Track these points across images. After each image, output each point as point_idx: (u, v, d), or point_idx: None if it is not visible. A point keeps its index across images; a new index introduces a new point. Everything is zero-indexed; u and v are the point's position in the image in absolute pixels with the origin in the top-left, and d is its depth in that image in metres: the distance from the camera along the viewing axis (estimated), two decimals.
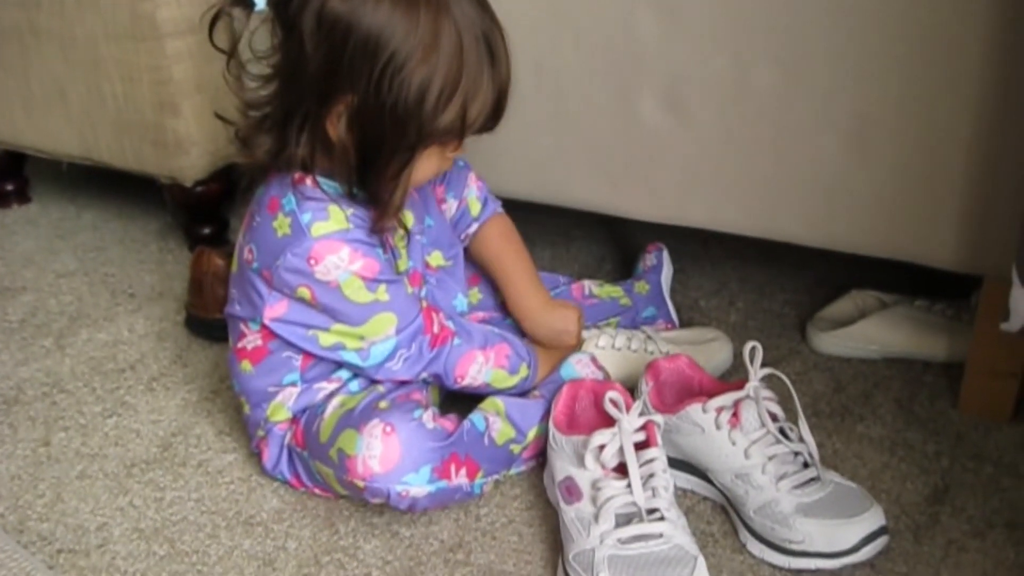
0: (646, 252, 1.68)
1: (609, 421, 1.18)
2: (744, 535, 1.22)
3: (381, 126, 1.13)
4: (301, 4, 1.11)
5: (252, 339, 1.28)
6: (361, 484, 1.18)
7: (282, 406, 1.30)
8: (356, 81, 1.11)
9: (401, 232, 1.29)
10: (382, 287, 1.22)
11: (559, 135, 1.50)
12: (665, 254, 1.66)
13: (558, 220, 1.51)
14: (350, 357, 1.25)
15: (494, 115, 1.20)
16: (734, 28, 1.34)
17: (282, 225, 1.20)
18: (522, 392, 1.36)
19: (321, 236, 1.18)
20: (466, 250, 1.48)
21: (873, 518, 1.16)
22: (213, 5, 1.17)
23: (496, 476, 1.29)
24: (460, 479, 1.23)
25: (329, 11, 1.10)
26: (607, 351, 1.45)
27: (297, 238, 1.18)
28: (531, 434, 1.31)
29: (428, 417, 1.22)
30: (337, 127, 1.15)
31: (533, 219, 1.59)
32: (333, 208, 1.19)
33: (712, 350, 1.49)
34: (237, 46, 1.19)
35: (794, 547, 1.16)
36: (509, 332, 1.41)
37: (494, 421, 1.29)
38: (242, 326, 1.29)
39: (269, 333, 1.27)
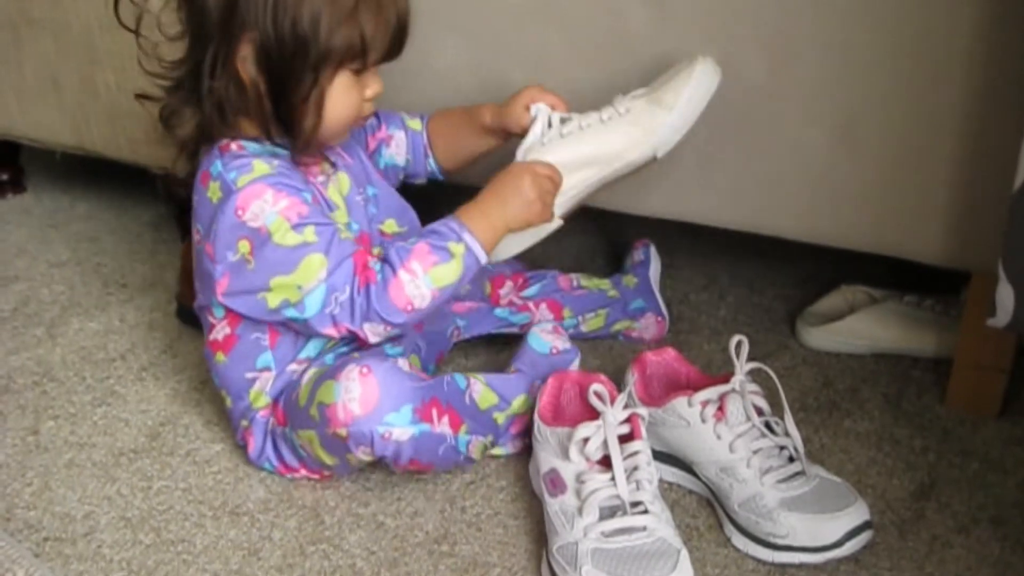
0: (633, 248, 1.68)
1: (594, 413, 1.18)
2: (729, 529, 1.22)
3: (283, 53, 1.18)
4: None
5: (220, 328, 1.30)
6: (344, 432, 1.18)
7: (261, 393, 1.31)
8: (254, 15, 1.17)
9: (328, 178, 1.30)
10: (309, 228, 1.21)
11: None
12: (652, 250, 1.66)
13: None
14: (292, 313, 1.24)
15: (396, 41, 1.24)
16: (722, 20, 1.34)
17: (214, 192, 1.23)
18: (482, 267, 1.29)
19: (245, 184, 1.21)
20: (445, 169, 1.49)
21: (857, 513, 1.16)
22: None
23: (481, 439, 1.29)
24: (443, 427, 1.23)
25: None
26: (554, 141, 1.35)
27: (226, 196, 1.21)
28: (515, 403, 1.32)
29: (403, 363, 1.24)
30: (246, 66, 1.20)
31: None
32: (256, 161, 1.23)
33: (678, 83, 1.33)
34: (141, 21, 1.25)
35: (778, 541, 1.17)
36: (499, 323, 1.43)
37: (475, 384, 1.30)
38: (210, 318, 1.30)
39: (234, 319, 1.28)
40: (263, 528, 1.26)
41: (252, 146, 1.24)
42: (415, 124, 1.48)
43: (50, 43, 1.80)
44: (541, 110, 1.36)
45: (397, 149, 1.47)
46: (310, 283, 1.21)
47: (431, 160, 1.48)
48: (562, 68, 1.45)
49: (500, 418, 1.31)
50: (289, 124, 1.23)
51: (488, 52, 1.49)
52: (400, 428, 1.19)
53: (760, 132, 1.38)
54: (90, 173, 2.16)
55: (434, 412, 1.22)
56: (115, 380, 1.54)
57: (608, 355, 1.56)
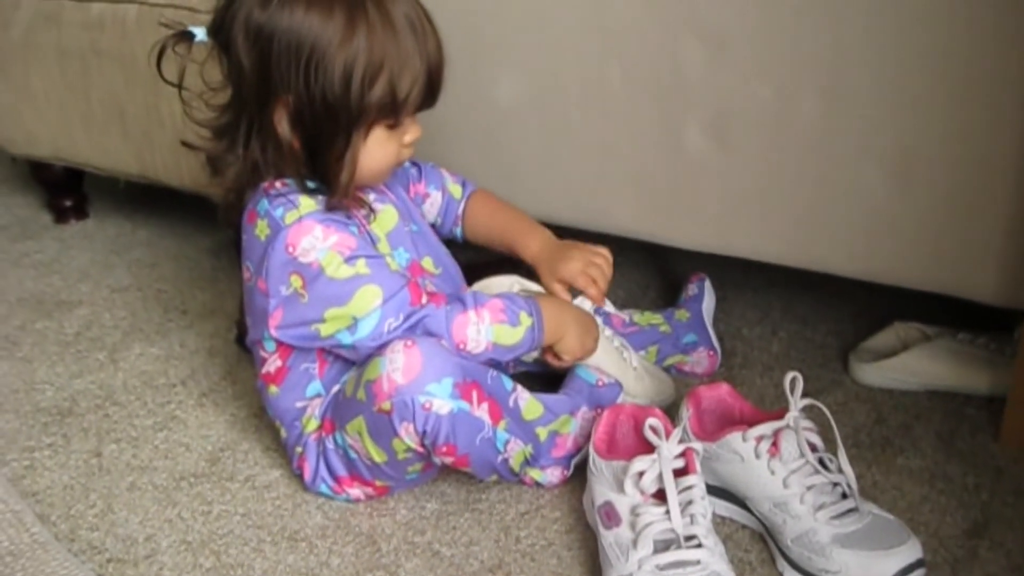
0: (688, 282, 1.69)
1: (649, 447, 1.20)
2: (781, 564, 1.22)
3: (317, 115, 1.23)
4: (229, 24, 1.23)
5: (272, 361, 1.33)
6: (388, 405, 1.21)
7: (311, 418, 1.34)
8: (288, 80, 1.21)
9: (368, 214, 1.32)
10: (361, 260, 1.25)
11: (604, 163, 1.52)
12: (707, 284, 1.68)
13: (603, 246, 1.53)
14: (344, 337, 1.26)
15: (429, 92, 1.27)
16: (779, 59, 1.35)
17: (262, 230, 1.27)
18: (532, 350, 1.36)
19: (293, 222, 1.24)
20: (466, 238, 1.53)
21: (910, 551, 1.16)
22: (157, 42, 1.28)
23: (521, 444, 1.30)
24: (482, 412, 1.25)
25: (253, 22, 1.21)
26: (620, 354, 1.50)
27: (275, 233, 1.25)
28: (561, 418, 1.35)
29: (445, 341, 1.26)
30: (282, 127, 1.24)
31: None
32: (302, 197, 1.27)
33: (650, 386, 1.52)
34: (183, 76, 1.30)
35: None
36: None
37: (521, 391, 1.32)
38: (261, 352, 1.33)
39: (285, 351, 1.32)
40: (321, 554, 1.28)
41: (295, 183, 1.28)
42: (455, 190, 1.52)
43: (118, 74, 1.85)
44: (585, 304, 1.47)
45: (431, 207, 1.51)
46: (365, 312, 1.24)
47: (458, 229, 1.53)
48: (620, 104, 1.47)
49: (543, 433, 1.33)
50: (325, 179, 1.27)
51: (547, 88, 1.51)
52: (440, 400, 1.21)
53: (816, 170, 1.39)
54: (151, 200, 2.21)
55: (474, 394, 1.24)
56: (176, 405, 1.57)
57: None
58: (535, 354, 1.43)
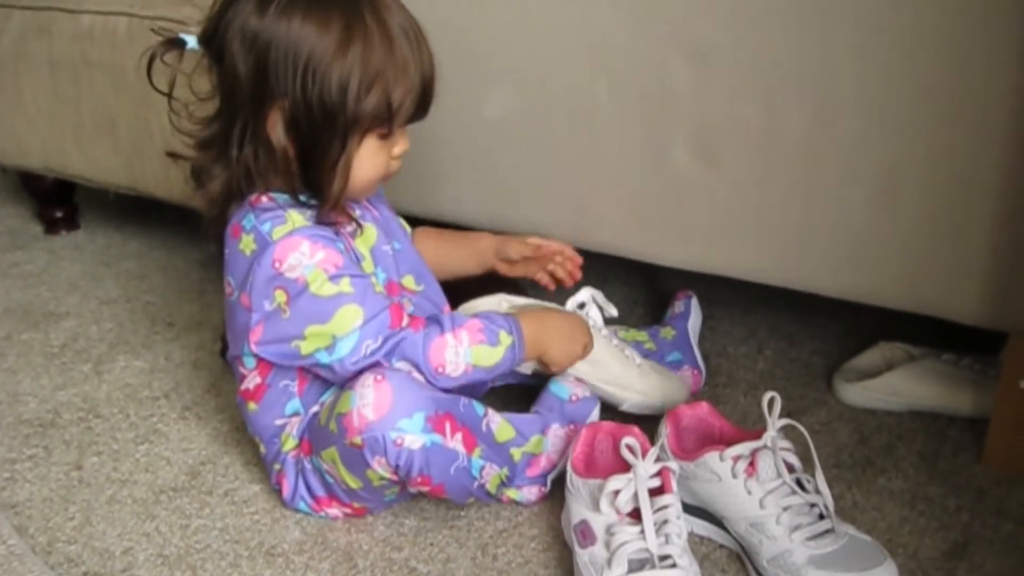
0: (675, 299, 1.69)
1: (626, 466, 1.19)
2: None
3: (313, 120, 1.22)
4: (224, 31, 1.23)
5: (251, 378, 1.32)
6: (359, 440, 1.20)
7: (289, 435, 1.33)
8: (284, 85, 1.21)
9: (355, 229, 1.33)
10: (345, 279, 1.24)
11: (591, 180, 1.52)
12: (694, 301, 1.68)
13: (591, 263, 1.53)
14: (322, 357, 1.26)
15: (422, 102, 1.29)
16: (765, 77, 1.35)
17: (247, 244, 1.26)
18: (514, 367, 1.35)
19: (281, 237, 1.24)
20: None
21: (886, 572, 1.16)
22: (148, 49, 1.28)
23: (497, 468, 1.30)
24: (455, 443, 1.24)
25: (249, 29, 1.21)
26: (620, 349, 1.50)
27: (262, 248, 1.24)
28: (532, 440, 1.35)
29: (418, 375, 1.26)
30: (276, 132, 1.24)
31: None
32: (290, 212, 1.26)
33: (659, 385, 1.51)
34: (173, 85, 1.30)
35: None
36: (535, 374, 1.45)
37: (492, 415, 1.32)
38: (241, 369, 1.33)
39: (265, 369, 1.31)
40: (297, 570, 1.28)
41: (282, 197, 1.28)
42: (406, 227, 1.52)
43: (108, 85, 1.85)
44: (586, 296, 1.51)
45: None
46: (344, 331, 1.24)
47: None
48: (607, 121, 1.47)
49: (517, 454, 1.33)
50: (317, 187, 1.27)
51: (535, 104, 1.51)
52: (412, 435, 1.20)
53: (801, 188, 1.38)
54: (143, 212, 2.21)
55: (447, 426, 1.23)
56: (158, 418, 1.57)
57: None
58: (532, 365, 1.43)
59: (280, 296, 1.24)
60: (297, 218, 1.25)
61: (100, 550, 1.31)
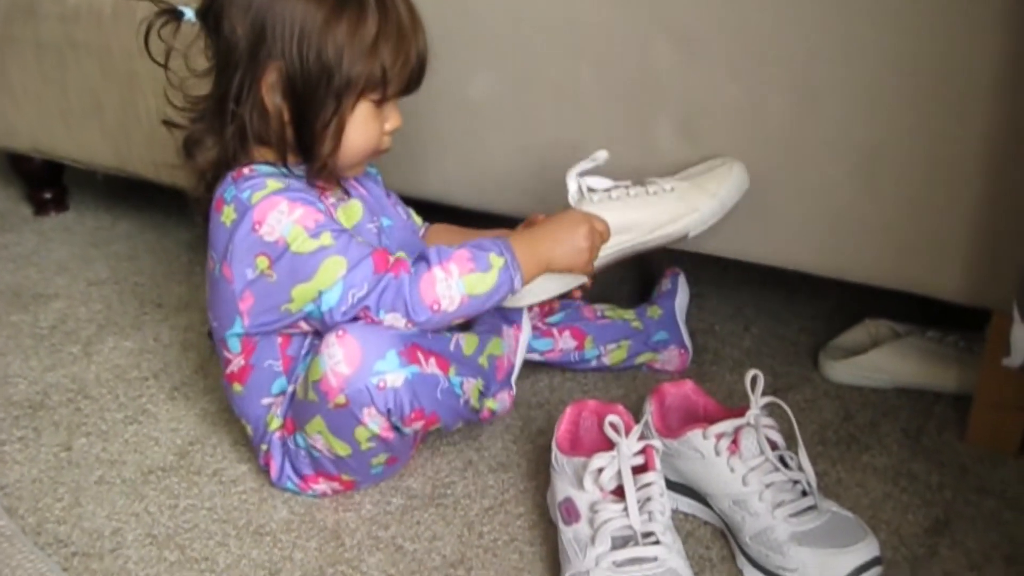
0: (663, 277, 1.69)
1: (611, 443, 1.20)
2: (741, 561, 1.23)
3: (307, 81, 1.23)
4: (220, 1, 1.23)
5: (236, 361, 1.32)
6: (342, 399, 1.22)
7: (274, 416, 1.34)
8: (280, 45, 1.22)
9: (339, 200, 1.34)
10: (326, 233, 1.24)
11: (576, 160, 1.51)
12: (681, 279, 1.68)
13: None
14: (311, 309, 1.25)
15: (415, 76, 1.30)
16: (748, 58, 1.35)
17: (228, 215, 1.26)
18: (515, 291, 1.30)
19: (260, 200, 1.24)
20: None
21: (867, 549, 1.17)
22: (144, 19, 1.29)
23: (473, 380, 1.32)
24: (432, 367, 1.25)
25: None
26: (604, 201, 1.40)
27: (242, 214, 1.25)
28: (492, 341, 1.39)
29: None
30: (272, 95, 1.25)
31: None
32: (269, 179, 1.27)
33: (720, 175, 1.41)
34: (169, 56, 1.31)
35: (788, 575, 1.18)
36: None
37: (459, 332, 1.34)
38: (225, 352, 1.33)
39: (249, 350, 1.31)
40: (284, 548, 1.29)
41: (264, 168, 1.28)
42: (417, 220, 1.54)
43: (94, 66, 1.85)
44: (572, 177, 1.40)
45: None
46: (329, 284, 1.23)
47: None
48: (592, 103, 1.47)
49: (484, 360, 1.35)
50: (309, 149, 1.27)
51: (519, 85, 1.51)
52: (392, 373, 1.21)
53: (784, 167, 1.39)
54: (132, 193, 2.21)
55: (419, 354, 1.24)
56: (147, 399, 1.58)
57: (631, 384, 1.58)
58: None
59: (262, 262, 1.24)
60: (275, 183, 1.26)
61: (89, 530, 1.32)
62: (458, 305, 1.25)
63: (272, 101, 1.25)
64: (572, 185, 1.40)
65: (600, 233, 1.35)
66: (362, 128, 1.28)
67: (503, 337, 1.40)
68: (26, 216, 2.22)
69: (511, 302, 1.36)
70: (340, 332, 1.22)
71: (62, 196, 2.23)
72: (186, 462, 1.44)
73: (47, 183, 2.20)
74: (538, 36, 1.47)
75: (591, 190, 1.40)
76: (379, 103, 1.28)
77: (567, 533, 1.20)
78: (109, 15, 1.78)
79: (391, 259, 1.26)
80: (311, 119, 1.25)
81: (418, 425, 1.27)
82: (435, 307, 1.24)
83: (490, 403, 1.36)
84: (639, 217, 1.40)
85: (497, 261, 1.27)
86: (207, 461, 1.44)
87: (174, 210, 2.11)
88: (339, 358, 1.21)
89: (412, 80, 1.30)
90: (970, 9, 1.22)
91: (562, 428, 1.29)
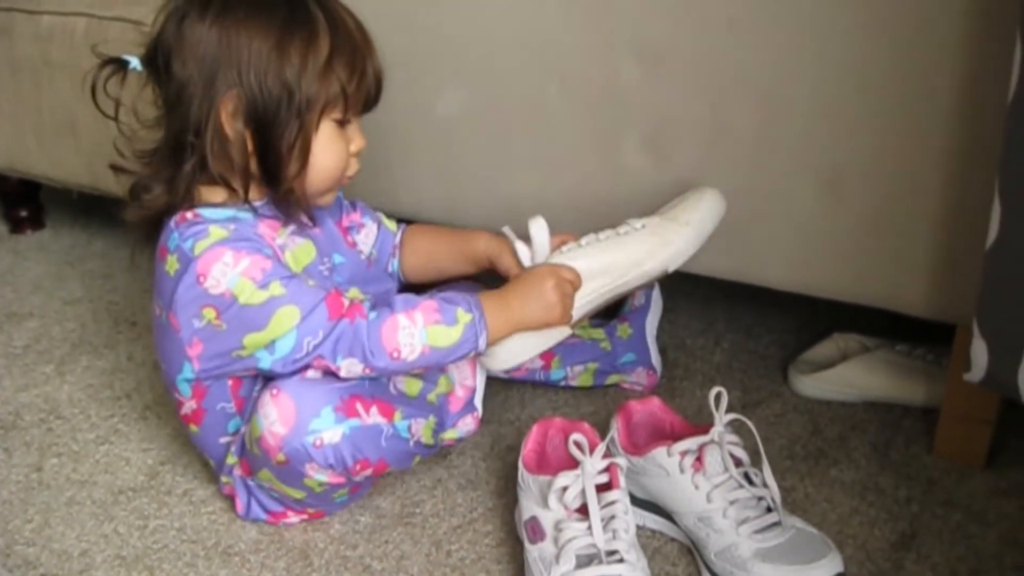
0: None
1: (576, 462, 1.20)
2: None
3: (268, 103, 1.22)
4: (168, 41, 1.23)
5: (188, 405, 1.31)
6: (282, 456, 1.21)
7: (232, 454, 1.34)
8: (237, 73, 1.21)
9: (290, 244, 1.31)
10: (275, 282, 1.22)
11: (544, 176, 1.53)
12: (655, 293, 1.66)
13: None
14: (262, 357, 1.24)
15: (373, 93, 1.30)
16: (714, 76, 1.36)
17: (172, 264, 1.24)
18: (478, 350, 1.28)
19: (203, 251, 1.22)
20: (404, 271, 1.52)
21: (831, 564, 1.17)
22: (88, 71, 1.28)
23: (423, 419, 1.31)
24: (374, 418, 1.25)
25: (193, 30, 1.22)
26: (573, 250, 1.39)
27: (184, 266, 1.23)
28: (440, 380, 1.37)
29: (313, 373, 1.25)
30: (233, 123, 1.23)
31: None
32: (212, 227, 1.24)
33: (692, 204, 1.40)
34: (118, 109, 1.29)
35: None
36: None
37: (398, 378, 1.34)
38: (176, 396, 1.31)
39: (200, 394, 1.30)
40: (253, 569, 1.29)
41: (207, 212, 1.26)
42: (391, 224, 1.52)
43: (68, 86, 1.86)
44: (540, 226, 1.39)
45: (366, 238, 1.48)
46: (283, 333, 1.22)
47: (394, 261, 1.51)
48: (560, 120, 1.48)
49: (432, 398, 1.35)
50: (274, 174, 1.25)
51: (488, 102, 1.52)
52: (328, 431, 1.21)
53: (750, 184, 1.40)
54: (108, 211, 2.20)
55: (359, 406, 1.23)
56: (119, 418, 1.58)
57: (602, 401, 1.59)
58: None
59: (208, 313, 1.22)
60: (218, 232, 1.23)
61: (58, 552, 1.32)
62: (418, 355, 1.25)
63: (233, 128, 1.23)
64: (521, 248, 1.41)
65: (569, 282, 1.34)
66: (329, 149, 1.27)
67: (448, 371, 1.39)
68: (2, 234, 2.22)
69: (496, 365, 1.36)
70: (274, 391, 1.22)
71: (38, 214, 2.23)
72: (156, 482, 1.44)
73: (23, 201, 2.20)
74: (507, 53, 1.48)
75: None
76: (342, 124, 1.28)
77: (532, 552, 1.20)
78: (82, 35, 1.79)
79: (345, 303, 1.25)
80: (275, 141, 1.23)
81: (367, 473, 1.26)
82: (395, 354, 1.24)
83: (450, 434, 1.36)
84: (612, 259, 1.39)
85: (464, 317, 1.26)
86: (177, 481, 1.44)
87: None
88: (274, 418, 1.21)
89: (371, 97, 1.30)
90: (933, 30, 1.23)
91: (528, 446, 1.30)
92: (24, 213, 2.20)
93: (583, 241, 1.40)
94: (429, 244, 1.52)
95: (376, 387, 1.28)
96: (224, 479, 1.36)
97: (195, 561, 1.30)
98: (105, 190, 1.93)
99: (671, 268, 1.39)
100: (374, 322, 1.24)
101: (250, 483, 1.33)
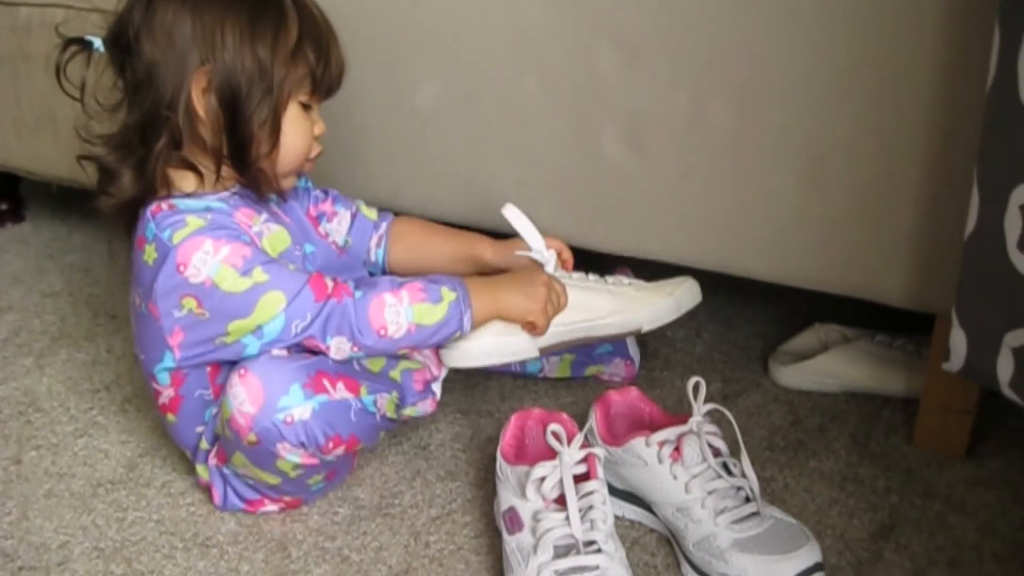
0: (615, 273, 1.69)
1: (555, 452, 1.20)
2: (685, 568, 1.23)
3: (243, 78, 1.22)
4: (134, 21, 1.23)
5: (166, 393, 1.31)
6: (253, 437, 1.21)
7: (204, 440, 1.33)
8: (209, 50, 1.22)
9: (265, 230, 1.31)
10: (256, 269, 1.22)
11: (522, 168, 1.52)
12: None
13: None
14: (249, 343, 1.24)
15: (336, 79, 1.31)
16: (692, 66, 1.36)
17: (150, 254, 1.24)
18: (464, 329, 1.31)
19: (182, 240, 1.22)
20: (390, 262, 1.52)
21: (809, 554, 1.17)
22: (50, 55, 1.29)
23: (387, 395, 1.31)
24: (341, 393, 1.25)
25: (163, 4, 1.22)
26: (563, 278, 1.43)
27: (163, 255, 1.22)
28: (401, 360, 1.37)
29: (278, 351, 1.25)
30: (205, 100, 1.23)
31: None
32: (189, 216, 1.24)
33: (676, 283, 1.50)
34: (84, 89, 1.29)
35: None
36: None
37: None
38: (155, 385, 1.31)
39: (178, 381, 1.30)
40: (231, 560, 1.28)
41: (183, 203, 1.26)
42: (371, 213, 1.52)
43: (46, 78, 1.84)
44: (515, 212, 1.41)
45: (338, 227, 1.49)
46: (270, 318, 1.23)
47: (379, 252, 1.51)
48: (537, 111, 1.48)
49: (396, 374, 1.35)
50: (244, 153, 1.26)
51: (465, 94, 1.52)
52: (298, 407, 1.21)
53: (729, 175, 1.39)
54: (88, 203, 2.19)
55: (325, 382, 1.24)
56: (98, 411, 1.57)
57: (581, 392, 1.59)
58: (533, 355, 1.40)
59: (189, 303, 1.22)
60: (196, 221, 1.23)
61: (36, 544, 1.31)
62: (404, 332, 1.26)
63: (206, 105, 1.23)
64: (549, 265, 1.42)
65: (559, 294, 1.37)
66: (298, 129, 1.28)
67: (418, 355, 1.40)
68: None
69: (451, 362, 1.37)
70: (242, 371, 1.22)
71: (18, 207, 2.22)
72: (135, 475, 1.43)
73: (3, 194, 2.19)
74: (484, 44, 1.48)
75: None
76: (305, 107, 1.29)
77: (511, 543, 1.20)
78: (61, 27, 1.77)
79: (329, 284, 1.26)
80: (247, 118, 1.23)
81: (339, 451, 1.26)
82: (382, 332, 1.25)
83: (409, 411, 1.36)
84: (596, 300, 1.43)
85: (449, 295, 1.28)
86: (156, 473, 1.44)
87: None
88: (243, 398, 1.21)
89: (334, 83, 1.31)
90: (911, 20, 1.23)
91: (507, 437, 1.30)
92: (4, 206, 2.19)
93: (573, 275, 1.45)
94: (423, 241, 1.52)
95: (340, 363, 1.28)
96: (200, 469, 1.35)
97: (173, 553, 1.30)
98: (84, 183, 1.91)
99: (645, 328, 1.45)
100: (360, 300, 1.25)
101: (226, 471, 1.32)
